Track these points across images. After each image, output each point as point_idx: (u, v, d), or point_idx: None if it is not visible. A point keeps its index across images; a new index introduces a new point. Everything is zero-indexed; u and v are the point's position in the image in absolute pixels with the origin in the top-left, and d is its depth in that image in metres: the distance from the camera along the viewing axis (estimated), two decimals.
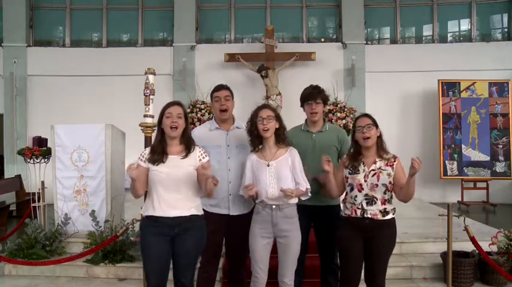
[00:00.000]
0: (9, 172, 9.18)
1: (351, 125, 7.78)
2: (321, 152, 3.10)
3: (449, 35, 9.98)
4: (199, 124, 6.41)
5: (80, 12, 10.04)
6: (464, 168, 8.67)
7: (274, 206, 2.88)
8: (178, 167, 2.74)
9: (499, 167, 8.64)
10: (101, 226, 4.85)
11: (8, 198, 7.64)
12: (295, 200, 2.93)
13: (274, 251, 2.97)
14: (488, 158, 8.65)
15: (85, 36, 10.10)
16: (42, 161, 5.33)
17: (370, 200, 2.85)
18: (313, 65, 9.09)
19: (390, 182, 2.86)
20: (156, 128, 2.91)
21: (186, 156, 2.78)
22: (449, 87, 8.78)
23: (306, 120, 3.40)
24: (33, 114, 9.43)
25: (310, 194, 2.93)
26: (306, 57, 9.09)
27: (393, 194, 2.93)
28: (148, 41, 10.01)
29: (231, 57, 9.13)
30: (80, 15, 10.03)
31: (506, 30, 9.77)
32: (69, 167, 5.11)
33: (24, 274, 4.60)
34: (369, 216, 2.85)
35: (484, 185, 8.64)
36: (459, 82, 8.78)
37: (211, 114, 8.04)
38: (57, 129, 5.16)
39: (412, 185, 2.77)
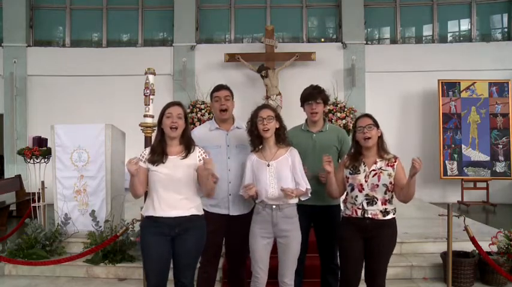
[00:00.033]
0: (9, 172, 9.18)
1: (351, 125, 7.78)
2: (321, 152, 3.10)
3: (449, 35, 9.97)
4: (199, 124, 6.40)
5: (80, 12, 10.03)
6: (464, 168, 8.67)
7: (274, 206, 2.88)
8: (178, 167, 2.74)
9: (499, 167, 8.63)
10: (101, 226, 4.85)
11: (8, 198, 7.64)
12: (295, 200, 2.93)
13: (274, 251, 2.97)
14: (488, 158, 8.65)
15: (85, 36, 10.10)
16: (42, 161, 5.33)
17: (371, 201, 2.85)
18: (313, 65, 9.09)
19: (391, 183, 2.86)
20: (156, 128, 2.90)
21: (186, 156, 2.77)
22: (449, 87, 8.78)
23: (306, 120, 3.40)
24: (33, 114, 9.42)
25: (310, 195, 2.93)
26: (306, 57, 9.09)
27: (394, 194, 2.93)
28: (148, 41, 10.01)
29: (231, 57, 9.12)
30: (80, 15, 10.03)
31: (506, 30, 9.76)
32: (69, 167, 5.12)
33: (24, 274, 4.59)
34: (370, 216, 2.84)
35: (484, 185, 8.64)
36: (459, 82, 8.77)
37: (211, 114, 8.03)
38: (57, 129, 5.17)
39: (412, 186, 2.77)
